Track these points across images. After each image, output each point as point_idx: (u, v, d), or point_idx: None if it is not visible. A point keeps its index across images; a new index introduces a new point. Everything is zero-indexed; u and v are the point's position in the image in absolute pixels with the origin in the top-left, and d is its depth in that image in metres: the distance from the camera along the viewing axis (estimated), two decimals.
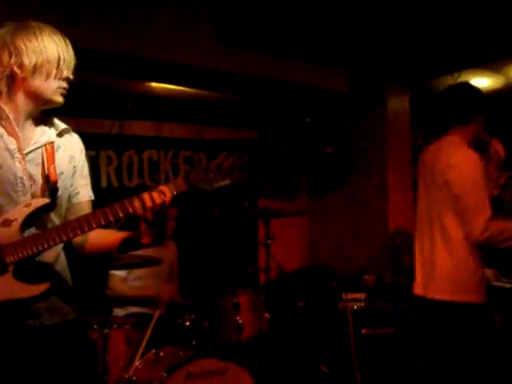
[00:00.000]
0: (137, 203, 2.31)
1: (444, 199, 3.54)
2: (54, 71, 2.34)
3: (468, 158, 3.50)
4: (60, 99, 2.39)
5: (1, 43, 2.32)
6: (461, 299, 3.46)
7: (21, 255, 2.23)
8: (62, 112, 2.48)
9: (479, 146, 3.73)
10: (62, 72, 2.36)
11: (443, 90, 3.89)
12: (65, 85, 2.39)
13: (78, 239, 2.47)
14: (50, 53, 2.32)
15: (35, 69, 2.31)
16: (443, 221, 3.55)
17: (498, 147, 3.88)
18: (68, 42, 2.41)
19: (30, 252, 2.24)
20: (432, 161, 3.68)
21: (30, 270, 2.26)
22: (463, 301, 3.46)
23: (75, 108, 3.90)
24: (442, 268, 3.54)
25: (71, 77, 2.41)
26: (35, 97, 2.37)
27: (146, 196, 2.31)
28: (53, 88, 2.36)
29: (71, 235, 2.29)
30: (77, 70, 2.44)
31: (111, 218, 2.29)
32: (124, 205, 2.30)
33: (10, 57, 2.30)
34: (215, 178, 2.37)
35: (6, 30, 2.35)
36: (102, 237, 2.55)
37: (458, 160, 3.50)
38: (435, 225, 3.61)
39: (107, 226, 2.36)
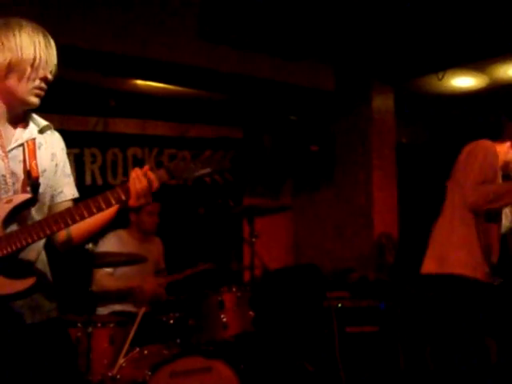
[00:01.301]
0: (121, 193, 2.31)
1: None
2: (29, 70, 2.27)
3: (489, 147, 3.78)
4: (34, 100, 2.34)
5: (2, 34, 2.27)
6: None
7: (4, 251, 2.22)
8: (46, 109, 2.46)
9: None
10: (38, 72, 2.29)
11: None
12: (41, 85, 2.33)
13: (63, 233, 2.47)
14: (25, 52, 2.26)
15: (9, 68, 2.26)
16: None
17: None
18: (51, 41, 2.35)
19: (13, 247, 2.23)
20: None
21: (13, 266, 2.25)
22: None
23: (59, 105, 3.89)
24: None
25: (49, 77, 2.34)
26: (9, 97, 2.32)
27: (130, 185, 2.31)
28: (27, 89, 2.30)
29: (55, 229, 2.28)
30: (61, 66, 2.40)
31: (94, 211, 2.28)
32: (107, 196, 2.29)
33: None
34: (196, 167, 2.36)
35: (7, 22, 2.30)
36: (85, 222, 2.42)
37: (480, 147, 3.79)
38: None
39: None
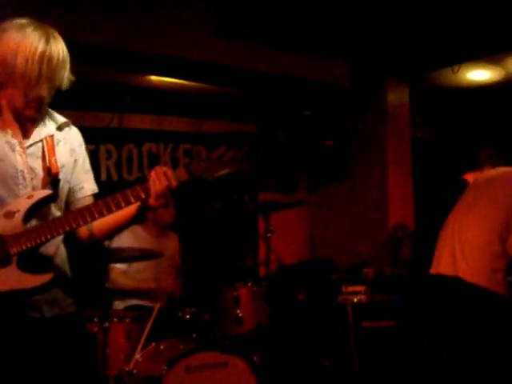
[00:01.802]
0: (140, 192, 2.32)
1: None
2: (21, 86, 2.24)
3: None
4: (30, 113, 2.32)
5: (5, 39, 2.25)
6: None
7: (24, 246, 2.24)
8: (61, 105, 2.48)
9: None
10: (33, 88, 2.25)
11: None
12: (36, 100, 2.30)
13: (84, 229, 2.49)
14: (19, 67, 2.21)
15: (5, 78, 2.26)
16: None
17: None
18: (58, 52, 2.27)
19: (33, 243, 2.25)
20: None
21: (32, 261, 2.28)
22: None
23: (75, 101, 3.90)
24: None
25: (43, 95, 2.29)
26: (11, 105, 2.33)
27: (150, 183, 2.34)
28: (22, 101, 2.29)
29: (74, 225, 2.30)
30: (76, 63, 2.39)
31: (113, 208, 2.30)
32: (126, 195, 2.31)
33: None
34: (215, 167, 2.37)
35: (14, 26, 2.27)
36: (106, 219, 2.44)
37: None
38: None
39: None
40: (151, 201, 2.36)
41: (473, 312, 3.74)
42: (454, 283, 3.82)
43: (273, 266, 5.45)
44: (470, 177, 4.41)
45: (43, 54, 2.23)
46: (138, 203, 2.41)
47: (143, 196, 2.34)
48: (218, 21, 5.43)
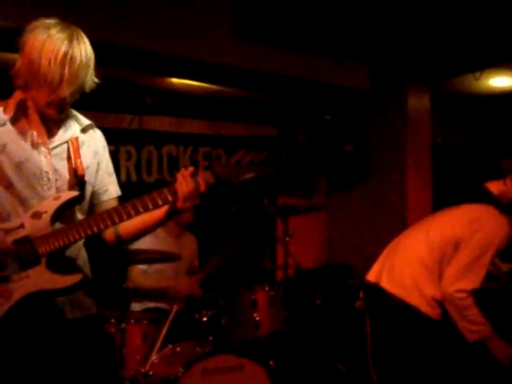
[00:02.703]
0: (168, 195, 2.33)
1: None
2: (45, 86, 2.26)
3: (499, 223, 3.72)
4: (52, 112, 2.34)
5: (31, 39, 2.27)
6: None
7: (53, 246, 2.26)
8: (81, 106, 2.49)
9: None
10: (56, 90, 2.26)
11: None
12: (58, 101, 2.31)
13: (111, 232, 2.50)
14: (42, 68, 2.23)
15: (29, 77, 2.27)
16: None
17: None
18: (81, 53, 2.28)
19: (61, 243, 2.27)
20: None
21: (59, 262, 2.29)
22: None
23: (95, 102, 3.91)
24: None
25: (64, 96, 2.30)
26: (35, 105, 2.35)
27: (177, 186, 2.35)
28: (44, 101, 2.31)
29: (102, 226, 2.32)
30: (97, 64, 2.40)
31: (141, 210, 2.32)
32: (153, 197, 2.33)
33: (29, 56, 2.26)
34: (241, 171, 2.39)
35: (41, 26, 2.28)
36: (133, 221, 2.46)
37: (489, 219, 3.73)
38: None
39: None
40: (179, 203, 2.37)
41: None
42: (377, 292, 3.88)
43: (290, 270, 5.44)
44: (492, 185, 4.37)
45: (65, 55, 2.24)
46: (167, 207, 2.43)
47: (170, 199, 2.35)
48: (239, 24, 5.43)
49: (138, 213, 2.32)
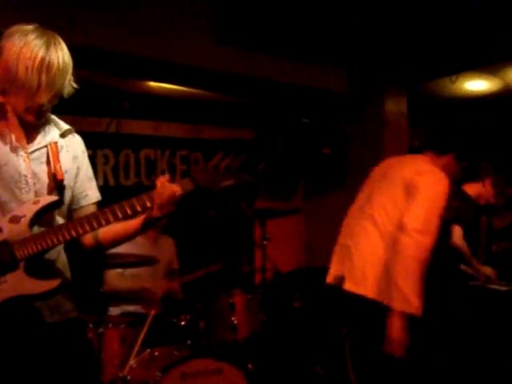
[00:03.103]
0: (146, 201, 2.33)
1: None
2: (23, 93, 2.25)
3: (441, 180, 3.52)
4: (30, 118, 2.33)
5: (9, 45, 2.25)
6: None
7: (31, 251, 2.25)
8: (59, 110, 2.48)
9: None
10: (33, 97, 2.26)
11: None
12: (36, 108, 2.30)
13: (89, 237, 2.49)
14: (20, 74, 2.22)
15: (6, 83, 2.26)
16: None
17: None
18: (58, 59, 2.27)
19: (39, 248, 2.26)
20: (399, 164, 3.69)
21: (37, 266, 2.28)
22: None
23: (72, 106, 3.89)
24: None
25: (42, 103, 2.29)
26: (14, 110, 2.33)
27: (155, 193, 2.34)
28: (22, 108, 2.30)
29: (81, 232, 2.31)
30: (74, 68, 2.38)
31: (120, 215, 2.31)
32: (132, 202, 2.32)
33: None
34: (220, 178, 2.39)
35: (18, 32, 2.27)
36: (113, 227, 2.48)
37: (431, 175, 3.57)
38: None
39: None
40: (154, 211, 2.36)
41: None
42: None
43: (269, 274, 5.44)
44: (468, 187, 4.40)
45: (43, 62, 2.23)
46: (144, 215, 2.42)
47: (149, 204, 2.35)
48: (218, 28, 5.44)
49: (116, 219, 2.32)
